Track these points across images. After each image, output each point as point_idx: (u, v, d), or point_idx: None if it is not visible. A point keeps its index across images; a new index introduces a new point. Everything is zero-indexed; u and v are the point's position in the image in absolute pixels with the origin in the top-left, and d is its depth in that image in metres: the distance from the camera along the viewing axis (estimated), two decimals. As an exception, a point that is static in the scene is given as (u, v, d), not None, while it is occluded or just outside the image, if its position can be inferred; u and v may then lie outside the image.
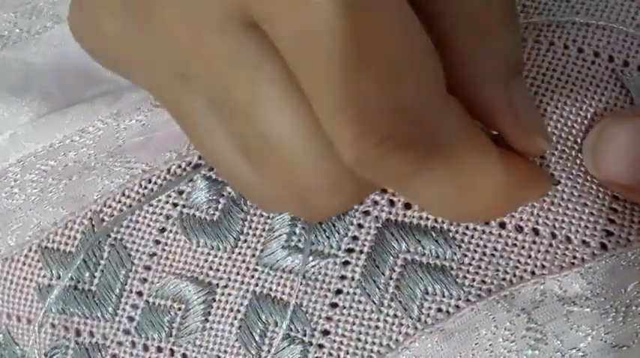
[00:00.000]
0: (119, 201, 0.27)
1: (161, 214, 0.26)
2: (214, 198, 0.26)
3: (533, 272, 0.24)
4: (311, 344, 0.25)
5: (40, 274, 0.27)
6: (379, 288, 0.24)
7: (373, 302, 0.24)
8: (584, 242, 0.24)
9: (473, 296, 0.24)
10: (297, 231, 0.25)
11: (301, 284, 0.25)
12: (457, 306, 0.24)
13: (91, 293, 0.26)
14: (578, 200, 0.24)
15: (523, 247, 0.24)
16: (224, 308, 0.25)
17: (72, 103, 0.28)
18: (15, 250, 0.27)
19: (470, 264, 0.24)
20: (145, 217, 0.26)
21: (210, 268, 0.26)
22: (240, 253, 0.26)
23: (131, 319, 0.26)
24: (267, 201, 0.21)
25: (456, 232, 0.24)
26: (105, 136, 0.28)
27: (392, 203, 0.25)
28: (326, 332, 0.25)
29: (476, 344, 0.24)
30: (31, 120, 0.28)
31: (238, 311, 0.25)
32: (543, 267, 0.24)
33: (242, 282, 0.25)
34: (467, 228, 0.24)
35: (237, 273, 0.25)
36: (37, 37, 0.29)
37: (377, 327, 0.24)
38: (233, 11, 0.17)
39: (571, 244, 0.24)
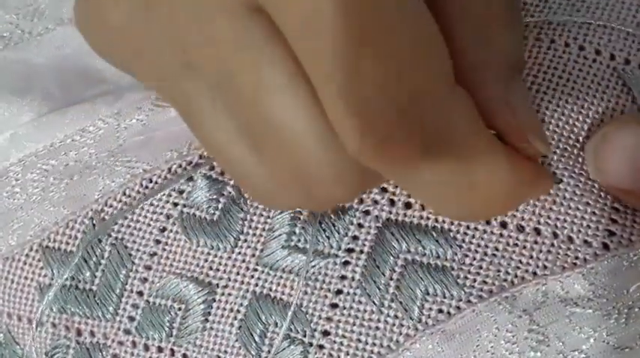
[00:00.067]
0: (120, 201, 0.27)
1: (162, 214, 0.26)
2: (214, 197, 0.26)
3: (534, 273, 0.24)
4: (311, 344, 0.24)
5: (41, 273, 0.27)
6: (379, 289, 0.24)
7: (373, 302, 0.24)
8: (586, 242, 0.24)
9: (474, 297, 0.24)
10: (297, 230, 0.25)
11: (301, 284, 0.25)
12: (458, 307, 0.24)
13: (91, 293, 0.26)
14: (580, 199, 0.24)
15: (524, 247, 0.24)
16: (224, 309, 0.25)
17: (72, 103, 0.28)
18: (16, 249, 0.27)
19: (471, 265, 0.24)
20: (145, 217, 0.26)
21: (211, 268, 0.26)
22: (240, 253, 0.26)
23: (132, 319, 0.26)
24: (268, 191, 0.21)
25: (457, 232, 0.24)
26: (106, 136, 0.28)
27: (392, 202, 0.25)
28: (326, 333, 0.24)
29: (477, 345, 0.24)
30: (32, 119, 0.28)
31: (238, 311, 0.25)
32: (545, 267, 0.24)
33: (242, 282, 0.25)
34: (468, 227, 0.24)
35: (237, 273, 0.25)
36: (38, 38, 0.29)
37: (377, 328, 0.24)
38: None
39: (573, 244, 0.24)
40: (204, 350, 0.25)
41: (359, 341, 0.24)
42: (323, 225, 0.25)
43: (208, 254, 0.26)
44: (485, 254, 0.24)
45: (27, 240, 0.27)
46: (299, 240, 0.25)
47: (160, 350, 0.26)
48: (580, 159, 0.24)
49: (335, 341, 0.24)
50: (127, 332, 0.26)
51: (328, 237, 0.25)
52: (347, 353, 0.24)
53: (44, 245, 0.27)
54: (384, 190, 0.25)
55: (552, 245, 0.24)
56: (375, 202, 0.25)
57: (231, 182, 0.26)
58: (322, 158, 0.19)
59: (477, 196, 0.20)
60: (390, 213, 0.25)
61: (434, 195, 0.20)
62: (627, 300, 0.23)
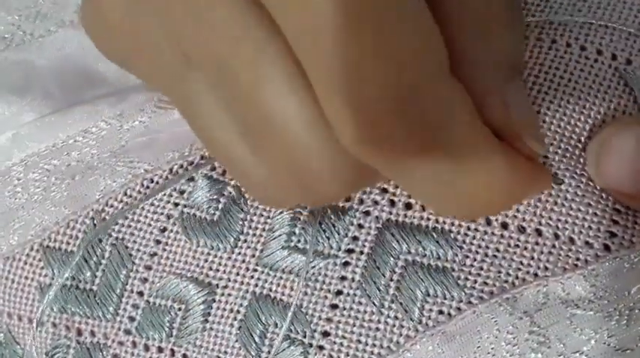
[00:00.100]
0: (121, 201, 0.27)
1: (162, 214, 0.26)
2: (215, 197, 0.26)
3: (535, 274, 0.23)
4: (311, 345, 0.24)
5: (42, 273, 0.27)
6: (380, 290, 0.24)
7: (374, 303, 0.24)
8: (587, 243, 0.23)
9: (475, 299, 0.24)
10: (297, 231, 0.25)
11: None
12: (459, 308, 0.24)
13: (92, 293, 0.26)
14: (581, 200, 0.24)
15: (525, 248, 0.24)
16: (224, 309, 0.25)
17: (73, 104, 0.28)
18: (17, 249, 0.27)
19: (472, 266, 0.24)
20: (146, 217, 0.26)
21: (210, 268, 0.26)
22: (240, 253, 0.25)
23: (132, 319, 0.26)
24: (266, 187, 0.21)
25: (458, 233, 0.24)
26: (108, 137, 0.28)
27: (392, 203, 0.25)
28: (326, 334, 0.24)
29: (478, 347, 0.23)
30: (35, 120, 0.28)
31: (238, 311, 0.25)
32: (546, 268, 0.23)
33: (242, 283, 0.25)
34: (468, 228, 0.24)
35: (237, 274, 0.25)
36: (40, 40, 0.29)
37: (377, 329, 0.24)
38: None
39: (574, 245, 0.24)
40: (204, 350, 0.25)
41: (359, 342, 0.24)
42: (323, 226, 0.25)
43: (208, 254, 0.26)
44: (486, 255, 0.24)
45: (28, 240, 0.27)
46: (299, 241, 0.25)
47: (160, 350, 0.26)
48: (581, 160, 0.24)
49: (335, 342, 0.24)
50: (128, 332, 0.26)
51: (328, 238, 0.25)
52: (347, 354, 0.24)
53: (45, 244, 0.27)
54: (385, 191, 0.25)
55: (553, 246, 0.24)
56: (376, 203, 0.25)
57: (232, 182, 0.26)
58: (318, 152, 0.19)
59: (473, 193, 0.20)
60: (391, 213, 0.25)
61: (431, 192, 0.20)
62: (628, 302, 0.23)
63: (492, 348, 0.23)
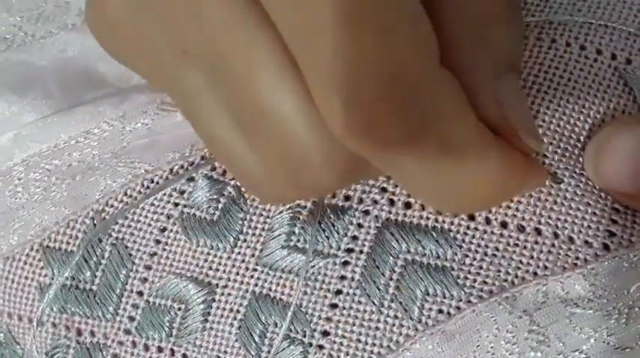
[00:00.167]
0: (121, 201, 0.27)
1: (162, 214, 0.26)
2: (215, 197, 0.26)
3: (535, 273, 0.24)
4: (311, 345, 0.24)
5: (42, 273, 0.27)
6: (379, 289, 0.24)
7: (373, 302, 0.24)
8: (586, 242, 0.23)
9: (474, 298, 0.24)
10: (297, 230, 0.25)
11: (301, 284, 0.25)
12: (458, 308, 0.24)
13: (92, 293, 0.26)
14: (581, 199, 0.24)
15: (525, 247, 0.24)
16: (224, 309, 0.25)
17: (73, 104, 0.28)
18: (16, 249, 0.27)
19: (471, 265, 0.24)
20: (146, 216, 0.26)
21: (210, 268, 0.26)
22: (239, 253, 0.26)
23: (132, 319, 0.26)
24: (261, 180, 0.21)
25: (457, 232, 0.24)
26: (110, 138, 0.28)
27: (392, 202, 0.25)
28: (326, 333, 0.24)
29: (477, 346, 0.23)
30: (36, 120, 0.28)
31: (238, 311, 0.25)
32: (545, 267, 0.23)
33: (242, 282, 0.25)
34: (468, 227, 0.24)
35: (237, 273, 0.25)
36: (41, 41, 0.29)
37: (377, 328, 0.24)
38: None
39: (574, 245, 0.24)
40: (204, 350, 0.25)
41: (359, 341, 0.24)
42: (322, 225, 0.25)
43: (208, 254, 0.26)
44: (486, 254, 0.24)
45: (28, 240, 0.27)
46: (298, 240, 0.25)
47: (159, 350, 0.26)
48: (581, 159, 0.24)
49: (335, 342, 0.24)
50: (127, 332, 0.26)
51: (328, 237, 0.25)
52: (347, 354, 0.24)
53: (45, 244, 0.27)
54: (384, 190, 0.25)
55: (553, 245, 0.24)
56: (375, 202, 0.25)
57: (232, 182, 0.26)
58: (309, 141, 0.19)
59: (468, 187, 0.20)
60: (390, 212, 0.25)
61: (424, 185, 0.20)
62: (627, 301, 0.23)
63: (492, 347, 0.23)
